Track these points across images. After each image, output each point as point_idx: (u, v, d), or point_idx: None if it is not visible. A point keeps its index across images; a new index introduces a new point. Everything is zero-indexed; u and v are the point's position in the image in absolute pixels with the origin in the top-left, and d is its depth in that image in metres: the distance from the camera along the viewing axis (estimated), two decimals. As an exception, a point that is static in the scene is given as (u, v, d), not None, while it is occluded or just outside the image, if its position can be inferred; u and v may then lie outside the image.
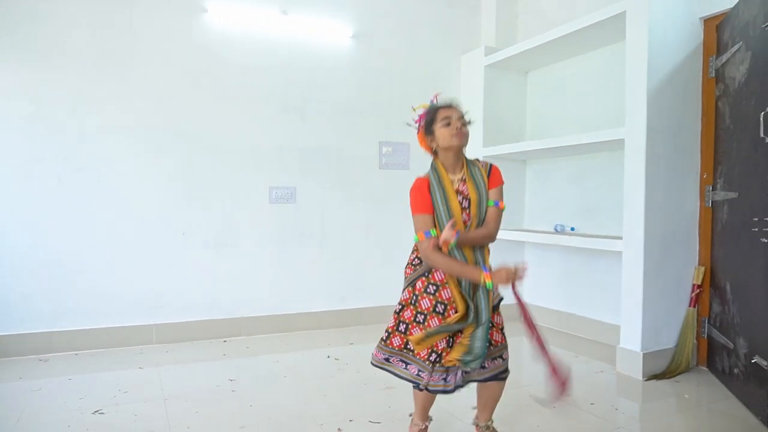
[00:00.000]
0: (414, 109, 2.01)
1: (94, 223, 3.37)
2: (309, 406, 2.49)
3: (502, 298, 1.95)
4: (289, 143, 3.90)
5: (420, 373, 1.83)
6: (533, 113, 4.41)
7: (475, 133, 4.30)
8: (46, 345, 3.25)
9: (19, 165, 3.19)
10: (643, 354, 2.95)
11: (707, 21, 3.10)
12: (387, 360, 1.92)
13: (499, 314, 1.96)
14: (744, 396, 2.57)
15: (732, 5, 2.82)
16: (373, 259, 4.17)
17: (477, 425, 2.08)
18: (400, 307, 1.90)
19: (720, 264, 2.98)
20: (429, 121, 1.89)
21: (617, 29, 3.29)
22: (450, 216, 1.79)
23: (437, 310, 1.83)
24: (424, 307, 1.84)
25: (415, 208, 1.84)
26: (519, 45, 3.94)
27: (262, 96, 3.80)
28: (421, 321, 1.84)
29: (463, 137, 1.85)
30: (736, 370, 2.68)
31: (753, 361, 2.44)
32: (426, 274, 1.86)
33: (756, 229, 2.44)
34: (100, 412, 2.39)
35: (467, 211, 1.83)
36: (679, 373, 3.01)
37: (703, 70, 3.12)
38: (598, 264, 3.76)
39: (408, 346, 1.85)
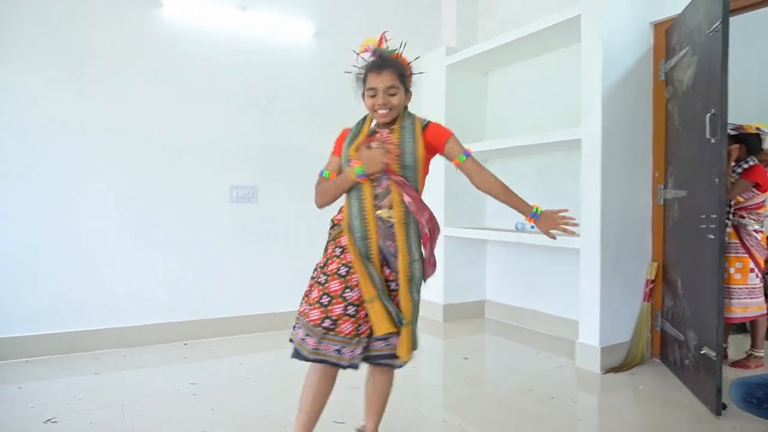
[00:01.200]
0: (356, 52, 1.87)
1: (46, 223, 3.23)
2: (273, 408, 2.46)
3: (415, 277, 1.75)
4: (252, 141, 3.84)
5: (343, 349, 1.69)
6: (493, 113, 4.48)
7: (437, 132, 4.34)
8: (-6, 352, 3.11)
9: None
10: (601, 348, 3.05)
11: (657, 25, 3.22)
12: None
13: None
14: (694, 386, 2.69)
15: (680, 11, 2.94)
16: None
17: None
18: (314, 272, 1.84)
19: (671, 260, 3.10)
20: (362, 77, 1.80)
21: (573, 32, 3.38)
22: (349, 155, 1.75)
23: (340, 272, 1.72)
24: (329, 269, 1.75)
25: (332, 151, 1.90)
26: (479, 45, 4.00)
27: (223, 93, 3.73)
28: (322, 282, 1.74)
29: (387, 114, 1.73)
30: (686, 362, 2.79)
31: (702, 352, 2.55)
32: (335, 239, 1.82)
33: (703, 226, 2.55)
34: (52, 420, 2.29)
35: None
36: (635, 366, 3.12)
37: (654, 73, 3.24)
38: (557, 261, 3.86)
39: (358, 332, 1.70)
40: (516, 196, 1.79)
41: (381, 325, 1.67)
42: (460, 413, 2.27)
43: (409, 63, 1.86)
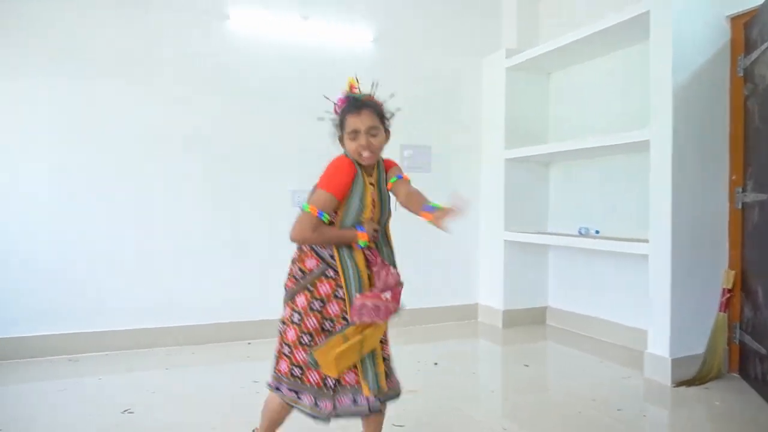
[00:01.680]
0: (327, 97, 1.88)
1: (122, 227, 3.44)
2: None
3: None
4: (311, 147, 3.92)
5: (318, 402, 1.68)
6: (556, 115, 4.37)
7: (497, 135, 4.29)
8: (76, 345, 3.33)
9: (46, 172, 3.29)
10: (672, 360, 2.89)
11: (734, 19, 3.03)
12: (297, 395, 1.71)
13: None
14: (777, 403, 2.50)
15: (760, 2, 2.76)
16: (398, 261, 4.17)
17: None
18: (284, 326, 1.73)
19: (752, 267, 2.90)
20: (339, 122, 1.76)
21: (641, 29, 3.25)
22: (359, 221, 1.68)
23: (325, 327, 1.67)
24: (310, 327, 1.67)
25: (331, 186, 1.66)
26: (541, 47, 3.92)
27: (284, 100, 3.85)
28: (307, 343, 1.67)
29: (372, 156, 1.69)
30: (768, 377, 2.60)
31: (786, 367, 2.37)
32: (309, 288, 1.69)
33: (788, 232, 2.37)
34: (129, 411, 2.44)
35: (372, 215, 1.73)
36: (710, 380, 2.94)
37: (731, 69, 3.06)
38: (624, 267, 3.70)
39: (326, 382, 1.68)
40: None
41: (384, 379, 1.72)
42: (519, 421, 2.22)
43: (382, 103, 1.83)
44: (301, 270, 1.73)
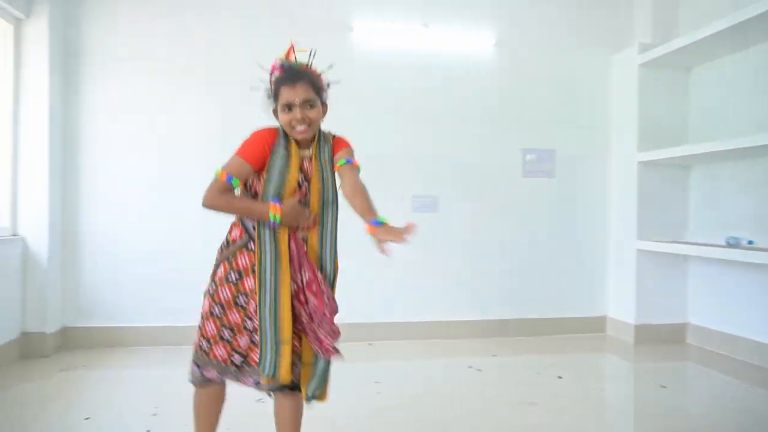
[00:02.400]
0: (262, 66, 1.76)
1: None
2: (451, 415, 2.49)
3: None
4: (430, 152, 3.97)
5: (222, 378, 1.66)
6: (697, 113, 3.97)
7: (628, 137, 4.01)
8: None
9: (155, 173, 3.62)
10: None
11: None
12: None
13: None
14: None
15: None
16: (514, 270, 4.07)
17: None
18: (203, 297, 1.66)
19: None
20: (273, 93, 1.66)
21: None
22: (278, 193, 1.56)
23: (238, 302, 1.60)
24: (222, 299, 1.60)
25: (245, 152, 1.58)
26: (680, 39, 3.59)
27: (404, 107, 3.93)
28: (218, 314, 1.60)
29: (306, 130, 1.60)
30: None
31: None
32: (229, 259, 1.62)
33: None
34: (261, 401, 2.62)
35: (303, 192, 1.62)
36: None
37: None
38: (782, 283, 3.26)
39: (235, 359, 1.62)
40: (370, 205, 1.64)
41: (288, 371, 1.56)
42: None
43: (320, 74, 1.74)
44: (227, 240, 1.67)
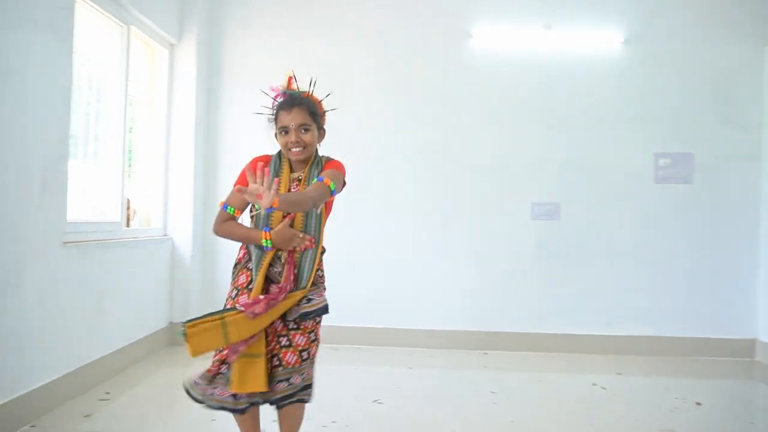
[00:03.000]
0: (265, 92, 1.83)
1: (370, 233, 3.84)
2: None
3: (307, 314, 1.71)
4: (552, 158, 3.82)
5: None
6: None
7: (785, 137, 3.54)
8: (335, 336, 3.81)
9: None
10: None
11: None
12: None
13: (302, 334, 1.71)
14: None
15: None
16: (644, 284, 3.76)
17: None
18: None
19: None
20: (274, 117, 1.77)
21: None
22: (267, 222, 1.66)
23: (232, 295, 1.72)
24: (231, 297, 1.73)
25: (238, 181, 1.68)
26: None
27: (523, 112, 3.83)
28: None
29: (301, 152, 1.71)
30: None
31: None
32: (233, 278, 1.77)
33: None
34: (378, 401, 2.69)
35: (291, 215, 1.68)
36: None
37: None
38: None
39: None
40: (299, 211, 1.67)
41: (255, 382, 1.59)
42: None
43: (320, 101, 1.82)
44: (235, 261, 1.80)
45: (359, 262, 3.82)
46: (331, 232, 3.78)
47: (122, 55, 3.16)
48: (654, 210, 3.78)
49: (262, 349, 1.62)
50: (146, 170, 3.64)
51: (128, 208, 3.35)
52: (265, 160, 1.78)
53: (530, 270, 3.80)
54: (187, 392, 1.70)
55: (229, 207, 1.72)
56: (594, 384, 3.06)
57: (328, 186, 1.66)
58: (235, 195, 1.64)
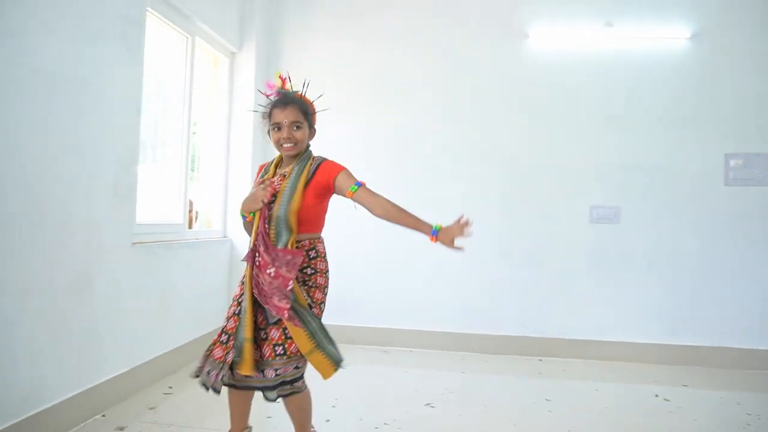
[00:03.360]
0: (261, 92, 1.95)
1: (424, 237, 3.82)
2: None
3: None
4: (612, 160, 3.69)
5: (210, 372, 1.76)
6: None
7: None
8: (387, 339, 3.84)
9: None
10: None
11: None
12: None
13: (277, 329, 1.74)
14: None
15: None
16: (713, 292, 3.56)
17: None
18: None
19: None
20: (268, 114, 1.87)
21: None
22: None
23: (231, 304, 1.85)
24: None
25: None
26: None
27: (582, 112, 3.72)
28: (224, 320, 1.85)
29: (292, 147, 1.82)
30: None
31: None
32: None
33: None
34: (430, 405, 2.68)
35: (268, 206, 1.76)
36: None
37: None
38: None
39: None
40: (413, 217, 1.80)
41: (242, 365, 1.70)
42: None
43: (311, 102, 1.91)
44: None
45: (413, 264, 3.83)
46: (387, 234, 3.83)
47: (187, 64, 3.32)
48: (723, 214, 3.58)
49: (250, 335, 1.72)
50: (208, 174, 3.80)
51: (191, 211, 3.50)
52: (264, 165, 2.00)
53: (588, 275, 3.68)
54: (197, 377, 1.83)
55: (241, 213, 1.90)
56: (656, 395, 2.93)
57: (358, 190, 1.78)
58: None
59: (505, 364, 3.52)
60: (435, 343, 3.78)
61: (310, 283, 1.81)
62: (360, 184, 1.78)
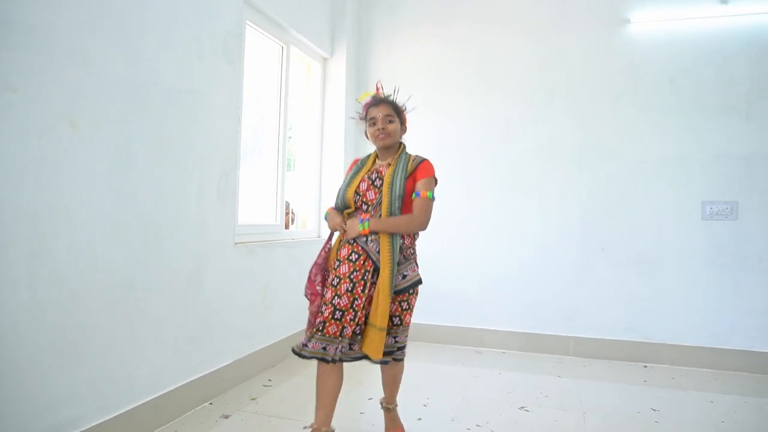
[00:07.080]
0: (358, 100, 2.16)
1: (522, 236, 3.73)
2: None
3: (404, 289, 1.97)
4: (729, 150, 3.37)
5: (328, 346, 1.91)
6: None
7: None
8: (480, 339, 3.79)
9: (451, 187, 3.85)
10: None
11: None
12: (324, 348, 1.91)
13: (394, 302, 1.97)
14: None
15: None
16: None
17: (382, 405, 2.22)
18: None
19: None
20: (364, 116, 2.08)
21: None
22: (340, 197, 2.05)
23: (333, 283, 1.96)
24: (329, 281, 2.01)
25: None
26: None
27: (692, 100, 3.43)
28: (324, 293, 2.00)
29: (386, 137, 2.02)
30: None
31: None
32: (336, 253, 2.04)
33: None
34: (525, 409, 2.61)
35: (376, 189, 1.97)
36: None
37: None
38: None
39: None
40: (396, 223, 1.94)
41: (371, 348, 1.91)
42: None
43: (402, 104, 2.11)
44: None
45: (512, 265, 3.75)
46: (486, 234, 3.78)
47: (282, 72, 3.48)
48: None
49: (386, 324, 1.89)
50: (303, 176, 3.96)
51: (288, 213, 3.67)
52: (355, 161, 2.18)
53: (700, 276, 3.39)
54: (292, 350, 1.96)
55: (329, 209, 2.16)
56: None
57: (426, 197, 1.96)
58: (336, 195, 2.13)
59: (606, 369, 3.34)
60: (529, 345, 3.67)
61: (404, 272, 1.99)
62: (419, 194, 1.96)
